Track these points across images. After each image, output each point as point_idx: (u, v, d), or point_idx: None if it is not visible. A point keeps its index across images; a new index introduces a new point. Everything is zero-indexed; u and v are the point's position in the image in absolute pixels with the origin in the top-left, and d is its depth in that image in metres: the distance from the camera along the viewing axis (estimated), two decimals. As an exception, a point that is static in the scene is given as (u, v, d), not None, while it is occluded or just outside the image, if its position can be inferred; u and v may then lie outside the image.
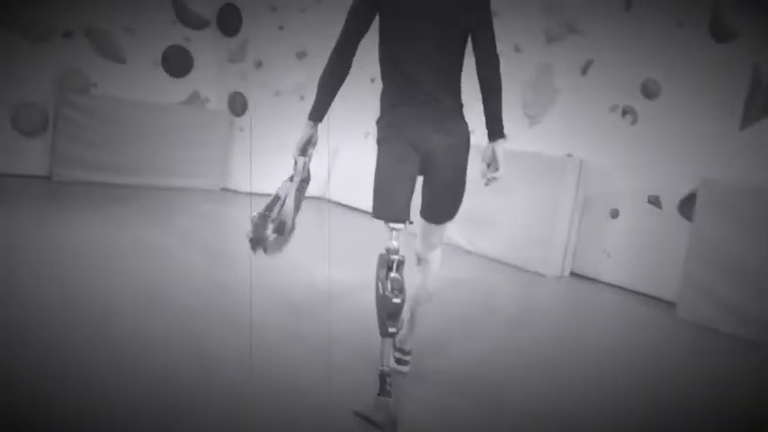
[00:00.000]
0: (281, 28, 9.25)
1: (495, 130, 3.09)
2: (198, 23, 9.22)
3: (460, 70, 3.05)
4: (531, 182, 6.67)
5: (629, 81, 6.27)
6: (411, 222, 2.98)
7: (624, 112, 6.34)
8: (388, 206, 2.93)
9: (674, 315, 5.54)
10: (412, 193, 2.97)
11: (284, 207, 3.11)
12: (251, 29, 9.23)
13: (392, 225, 2.92)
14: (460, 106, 3.07)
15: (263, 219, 3.10)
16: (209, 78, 9.45)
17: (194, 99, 9.41)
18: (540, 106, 7.02)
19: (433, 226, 3.19)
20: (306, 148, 3.13)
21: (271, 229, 3.07)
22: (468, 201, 6.89)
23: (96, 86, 8.67)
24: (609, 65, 6.45)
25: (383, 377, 2.85)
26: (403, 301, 2.84)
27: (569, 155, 6.66)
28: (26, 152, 8.29)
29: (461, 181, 3.09)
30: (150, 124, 8.84)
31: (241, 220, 7.11)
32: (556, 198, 6.50)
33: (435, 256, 3.33)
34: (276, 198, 3.14)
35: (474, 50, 3.04)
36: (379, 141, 3.05)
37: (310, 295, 4.72)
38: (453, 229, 7.21)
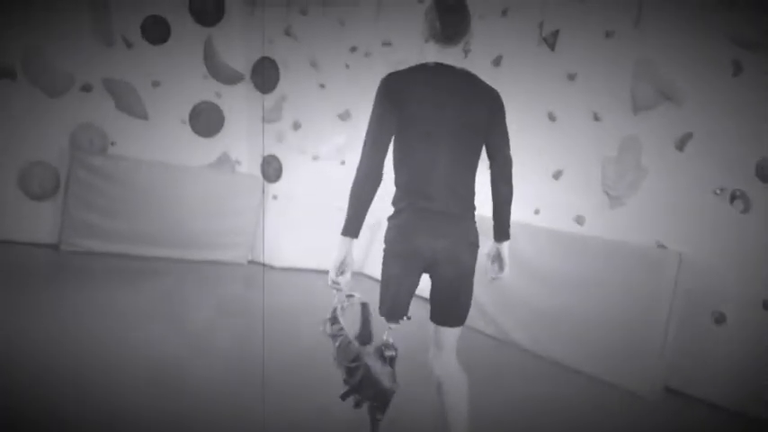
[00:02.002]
0: (322, 86, 8.69)
1: (502, 232, 3.31)
2: (230, 78, 8.75)
3: (475, 175, 3.17)
4: (614, 274, 5.83)
5: (739, 160, 5.39)
6: (409, 318, 3.15)
7: (733, 198, 5.46)
8: (388, 309, 3.11)
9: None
10: (411, 296, 3.14)
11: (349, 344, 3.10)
12: (289, 85, 8.73)
13: (391, 324, 3.11)
14: (472, 210, 3.18)
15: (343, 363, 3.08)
16: (241, 139, 8.94)
17: (224, 161, 8.91)
18: (625, 185, 6.18)
19: (443, 330, 3.23)
20: (343, 269, 3.06)
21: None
22: (535, 295, 6.30)
23: (115, 145, 8.24)
24: (713, 140, 5.59)
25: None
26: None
27: (661, 244, 5.78)
28: (33, 217, 7.87)
29: (466, 286, 3.17)
30: (173, 189, 8.31)
31: (269, 311, 6.46)
32: (646, 296, 5.59)
33: (455, 373, 3.24)
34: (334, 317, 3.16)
35: (488, 155, 3.20)
36: (386, 242, 3.15)
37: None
38: (514, 327, 6.51)
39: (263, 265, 8.70)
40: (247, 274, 8.41)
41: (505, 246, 3.32)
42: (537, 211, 6.83)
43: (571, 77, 6.66)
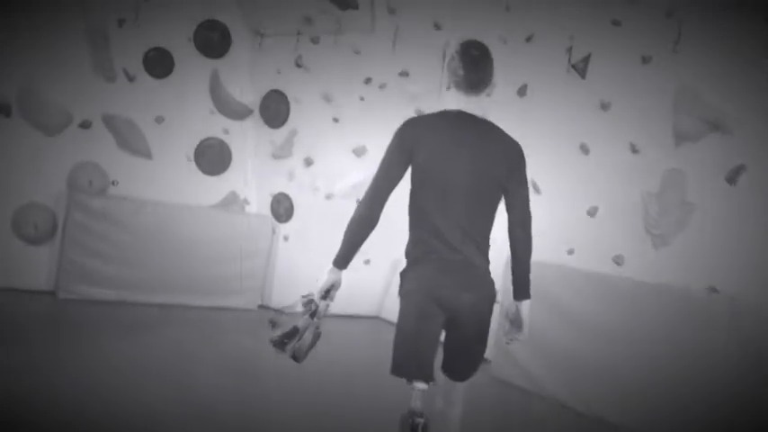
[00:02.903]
0: (335, 120, 8.36)
1: (522, 290, 3.26)
2: (238, 112, 8.55)
3: (491, 226, 3.19)
4: (659, 322, 5.40)
5: (801, 195, 4.98)
6: (434, 382, 3.08)
7: (794, 237, 5.03)
8: (413, 365, 3.03)
9: None
10: (435, 351, 3.08)
11: (301, 340, 3.16)
12: (300, 120, 8.43)
13: (416, 385, 3.02)
14: (488, 262, 3.20)
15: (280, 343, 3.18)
16: (250, 177, 8.77)
17: (231, 201, 8.69)
18: (669, 223, 5.75)
19: (455, 383, 3.31)
20: (328, 293, 3.18)
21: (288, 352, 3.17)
22: (571, 343, 5.82)
23: (116, 185, 7.98)
24: (768, 172, 5.17)
25: None
26: None
27: (712, 289, 5.33)
28: (28, 263, 7.55)
29: (484, 340, 3.24)
30: (178, 231, 8.02)
31: (279, 363, 6.07)
32: (697, 347, 5.14)
33: (457, 409, 3.36)
34: (295, 330, 3.14)
35: (507, 207, 3.22)
36: (403, 295, 3.17)
37: None
38: (549, 378, 6.12)
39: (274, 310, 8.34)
40: (257, 320, 7.94)
41: (525, 305, 3.27)
42: (571, 251, 6.39)
43: (605, 107, 6.26)
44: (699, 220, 5.60)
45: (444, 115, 3.15)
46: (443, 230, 3.06)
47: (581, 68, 6.50)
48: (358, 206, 3.12)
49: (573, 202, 6.41)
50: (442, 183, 3.05)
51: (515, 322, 3.28)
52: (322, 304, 3.17)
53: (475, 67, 3.08)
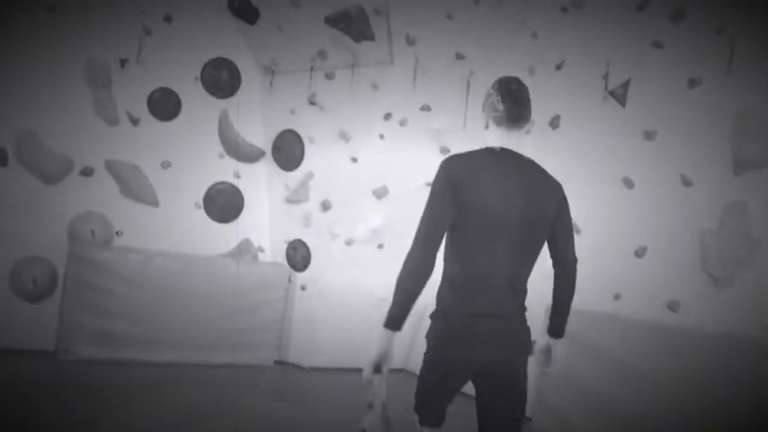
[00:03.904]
0: (353, 160, 8.01)
1: (558, 330, 3.30)
2: (249, 155, 8.33)
3: (530, 272, 3.13)
4: (725, 375, 4.87)
5: None
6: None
7: None
8: (428, 414, 3.10)
9: None
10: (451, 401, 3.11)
11: None
12: (315, 161, 8.17)
13: (423, 429, 3.12)
14: (524, 310, 3.14)
15: None
16: (263, 223, 8.57)
17: (244, 249, 8.41)
18: (731, 263, 5.23)
19: None
20: (380, 365, 2.90)
21: None
22: (625, 399, 5.20)
23: (121, 235, 7.70)
24: None
25: None
26: None
27: (785, 337, 4.78)
28: (26, 321, 7.22)
29: (522, 392, 3.12)
30: (187, 283, 7.67)
31: (301, 426, 5.53)
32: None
33: None
34: None
35: (553, 252, 3.19)
36: (434, 348, 3.07)
37: None
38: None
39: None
40: (274, 378, 7.61)
41: (560, 343, 3.33)
42: (617, 297, 5.84)
43: (649, 136, 5.76)
44: (766, 258, 5.09)
45: (490, 152, 3.05)
46: (486, 275, 2.98)
47: (620, 95, 6.02)
48: (408, 256, 2.92)
49: (617, 241, 5.89)
50: (492, 224, 2.95)
51: (546, 354, 3.35)
52: (376, 380, 2.94)
53: (514, 101, 3.05)
